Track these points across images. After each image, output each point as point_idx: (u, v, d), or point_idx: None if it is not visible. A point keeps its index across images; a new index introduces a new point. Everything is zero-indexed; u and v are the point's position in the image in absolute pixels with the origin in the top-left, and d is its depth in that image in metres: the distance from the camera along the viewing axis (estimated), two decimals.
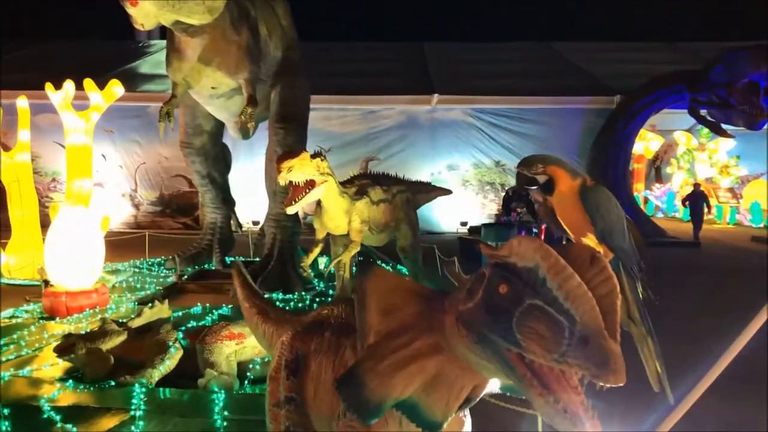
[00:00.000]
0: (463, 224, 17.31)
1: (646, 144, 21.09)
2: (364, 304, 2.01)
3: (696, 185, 17.03)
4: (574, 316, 1.50)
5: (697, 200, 16.19)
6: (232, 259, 10.62)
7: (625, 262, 3.64)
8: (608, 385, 1.49)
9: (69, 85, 9.39)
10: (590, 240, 3.54)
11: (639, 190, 21.52)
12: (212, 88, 8.04)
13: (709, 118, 16.51)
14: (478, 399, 1.97)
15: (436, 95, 17.66)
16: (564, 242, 3.68)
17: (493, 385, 2.02)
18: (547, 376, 1.58)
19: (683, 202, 17.21)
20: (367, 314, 2.00)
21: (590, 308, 1.50)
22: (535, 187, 3.73)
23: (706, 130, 19.71)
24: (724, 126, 16.46)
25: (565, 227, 3.76)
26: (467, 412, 2.36)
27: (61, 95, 9.29)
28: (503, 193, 15.07)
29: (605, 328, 1.50)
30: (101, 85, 9.58)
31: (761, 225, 19.20)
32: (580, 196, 3.57)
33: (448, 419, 1.92)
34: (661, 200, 22.25)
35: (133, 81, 18.40)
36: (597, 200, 3.57)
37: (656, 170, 23.56)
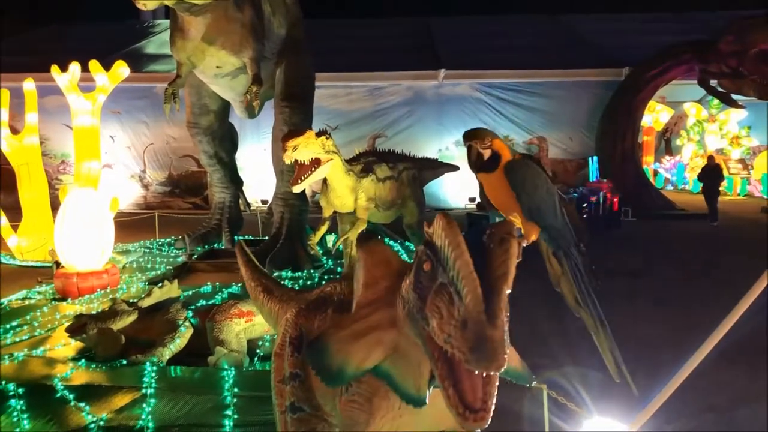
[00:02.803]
0: (472, 200, 17.26)
1: (655, 116, 20.89)
2: (357, 275, 2.09)
3: (709, 158, 15.96)
4: (461, 296, 1.49)
5: (710, 175, 14.75)
6: (241, 238, 10.67)
7: (560, 243, 3.36)
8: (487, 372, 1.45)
9: (75, 66, 9.43)
10: (517, 219, 3.25)
11: (648, 163, 21.35)
12: (217, 67, 8.01)
13: (719, 88, 16.32)
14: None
15: (442, 70, 17.52)
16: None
17: None
18: (457, 362, 1.54)
19: (699, 178, 15.61)
20: (356, 285, 2.09)
21: (472, 289, 1.47)
22: (480, 162, 3.40)
23: (716, 101, 19.48)
24: (734, 96, 16.27)
25: (494, 205, 3.46)
26: None
27: (67, 77, 9.32)
28: None
29: (486, 311, 1.46)
30: (107, 67, 9.61)
31: None
32: (504, 172, 3.26)
33: (423, 393, 1.96)
34: (671, 173, 22.09)
35: (138, 61, 18.36)
36: (522, 175, 3.26)
37: (666, 142, 23.35)
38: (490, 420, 1.53)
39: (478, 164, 3.33)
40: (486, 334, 1.42)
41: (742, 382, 4.69)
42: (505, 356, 1.44)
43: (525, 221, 3.20)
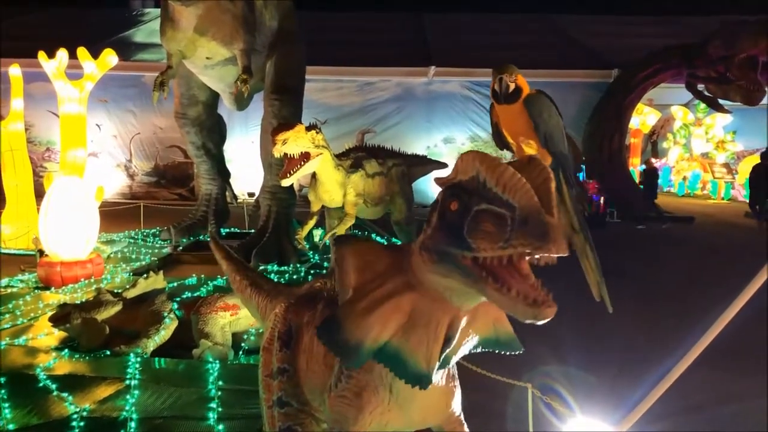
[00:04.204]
0: None
1: (642, 118, 21.03)
2: (343, 266, 2.08)
3: (647, 161, 17.28)
4: (513, 204, 1.59)
5: (647, 178, 15.96)
6: (228, 230, 10.64)
7: (564, 168, 3.82)
8: (554, 256, 1.57)
9: (62, 53, 9.32)
10: (531, 147, 3.69)
11: (635, 165, 21.49)
12: (207, 58, 7.98)
13: (706, 93, 16.44)
14: (455, 339, 2.00)
15: (432, 67, 17.50)
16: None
17: (472, 341, 2.09)
18: (500, 272, 1.65)
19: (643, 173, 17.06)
20: (345, 275, 2.06)
21: (526, 191, 1.59)
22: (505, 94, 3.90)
23: (703, 105, 19.62)
24: (721, 101, 16.41)
25: (507, 137, 3.91)
26: (457, 383, 2.38)
27: (54, 64, 9.22)
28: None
29: (542, 206, 1.60)
30: (95, 54, 9.51)
31: None
32: (524, 103, 3.78)
33: (433, 367, 1.96)
34: None
35: (127, 50, 18.18)
36: (540, 105, 3.84)
37: (653, 145, 23.54)
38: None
39: (502, 96, 3.87)
40: (547, 221, 1.55)
41: (724, 382, 4.73)
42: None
43: (540, 148, 3.65)
